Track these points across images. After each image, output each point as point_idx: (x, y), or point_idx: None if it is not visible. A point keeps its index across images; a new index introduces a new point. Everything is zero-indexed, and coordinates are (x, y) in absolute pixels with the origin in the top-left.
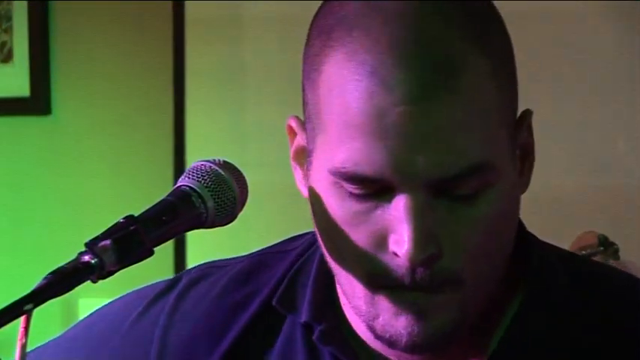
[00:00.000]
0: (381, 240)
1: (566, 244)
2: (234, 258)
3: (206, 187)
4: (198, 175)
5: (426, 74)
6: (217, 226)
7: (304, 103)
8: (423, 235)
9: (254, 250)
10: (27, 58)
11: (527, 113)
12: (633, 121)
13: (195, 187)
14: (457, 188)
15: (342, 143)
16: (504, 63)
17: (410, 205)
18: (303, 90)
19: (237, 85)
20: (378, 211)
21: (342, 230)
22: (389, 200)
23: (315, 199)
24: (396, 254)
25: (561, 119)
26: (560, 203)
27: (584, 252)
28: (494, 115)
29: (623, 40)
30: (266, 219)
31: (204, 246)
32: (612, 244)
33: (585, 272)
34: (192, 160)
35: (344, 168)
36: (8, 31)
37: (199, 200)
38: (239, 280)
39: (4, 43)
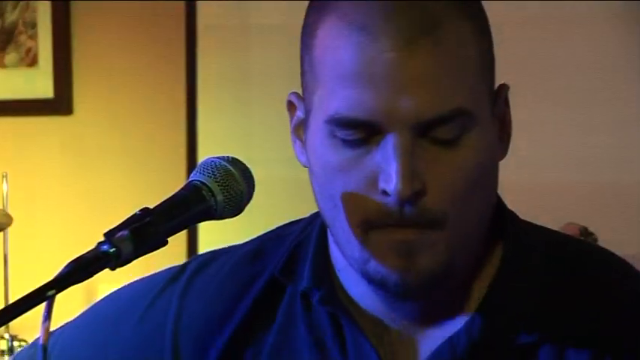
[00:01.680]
0: (372, 181)
1: None
2: (237, 244)
3: (216, 181)
4: (209, 171)
5: (410, 26)
6: (226, 218)
7: (302, 74)
8: (409, 172)
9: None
10: (51, 62)
11: (504, 87)
12: (610, 120)
13: (205, 182)
14: (439, 131)
15: (336, 93)
16: (483, 31)
17: (397, 143)
18: (301, 60)
19: (244, 88)
20: (369, 156)
21: (337, 177)
22: (378, 143)
23: (312, 155)
24: (385, 192)
25: (543, 119)
26: (547, 197)
27: None
28: (475, 71)
29: (602, 44)
30: (271, 210)
31: (215, 235)
32: (591, 234)
33: (560, 238)
34: (203, 157)
35: (338, 114)
36: (33, 37)
37: (209, 194)
38: (244, 261)
39: (29, 49)
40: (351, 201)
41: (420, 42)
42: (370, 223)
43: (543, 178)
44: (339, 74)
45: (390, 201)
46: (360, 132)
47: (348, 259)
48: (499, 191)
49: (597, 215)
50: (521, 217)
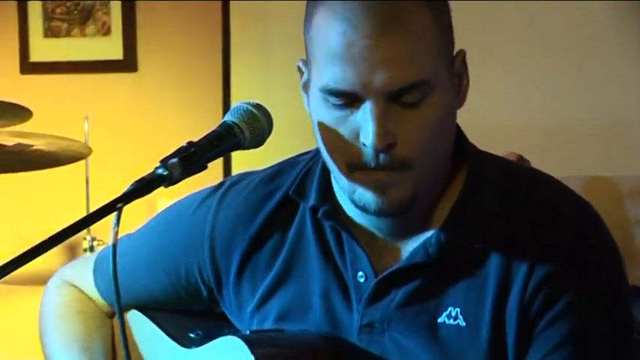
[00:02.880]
0: (355, 135)
1: None
2: (260, 169)
3: (244, 121)
4: (239, 113)
5: (383, 18)
6: (252, 149)
7: (305, 49)
8: (382, 129)
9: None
10: (120, 32)
11: (461, 52)
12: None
13: (236, 122)
14: (405, 97)
15: (326, 69)
16: (442, 13)
17: (373, 108)
18: (304, 37)
19: (268, 50)
20: (352, 117)
21: (330, 130)
22: (359, 107)
23: (313, 112)
24: (364, 145)
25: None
26: (500, 134)
27: None
28: (434, 49)
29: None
30: (286, 144)
31: (244, 162)
32: (526, 160)
33: (511, 164)
34: (235, 103)
35: (327, 86)
36: (107, 13)
37: (239, 131)
38: (265, 182)
39: (104, 22)
40: (339, 149)
41: (389, 31)
42: (354, 165)
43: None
44: (327, 54)
45: (368, 151)
46: (344, 99)
47: (340, 188)
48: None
49: (531, 146)
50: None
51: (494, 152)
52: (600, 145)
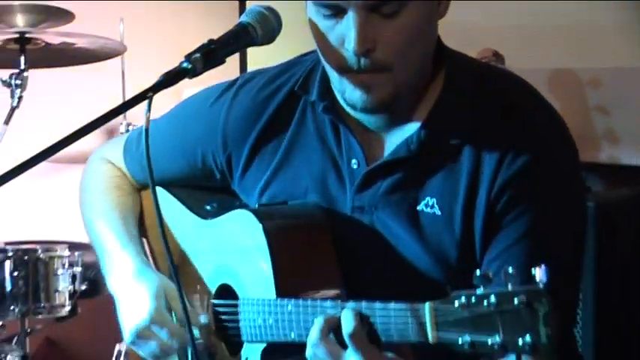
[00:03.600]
0: (341, 42)
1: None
2: (271, 66)
3: (257, 22)
4: (252, 14)
5: None
6: (264, 45)
7: None
8: (362, 36)
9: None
10: None
11: None
12: None
13: (250, 22)
14: (384, 8)
15: None
16: None
17: (354, 17)
18: None
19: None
20: (339, 25)
21: (322, 38)
22: (343, 17)
23: (310, 20)
24: (347, 50)
25: None
26: (479, 32)
27: (484, 59)
28: None
29: None
30: (290, 42)
31: (258, 58)
32: (501, 55)
33: (486, 66)
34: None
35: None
36: None
37: (252, 29)
38: (274, 78)
39: None
40: (330, 54)
41: None
42: (342, 68)
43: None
44: None
45: (351, 56)
46: (331, 10)
47: (333, 87)
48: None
49: (504, 43)
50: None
51: (474, 48)
52: (564, 41)
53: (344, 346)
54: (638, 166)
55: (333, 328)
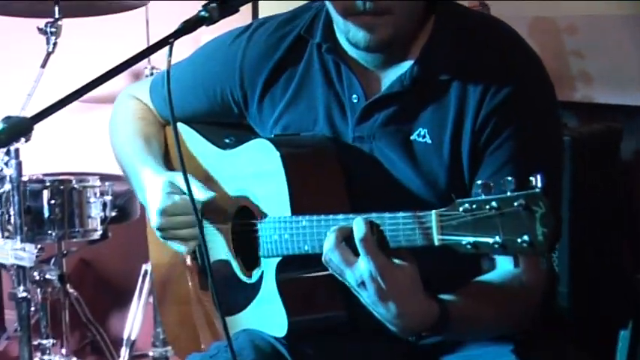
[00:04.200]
0: None
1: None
2: (281, 12)
3: None
4: None
5: None
6: None
7: None
8: None
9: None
10: None
11: None
12: None
13: None
14: None
15: None
16: None
17: None
18: None
19: None
20: None
21: None
22: None
23: None
24: None
25: None
26: None
27: (472, 7)
28: None
29: None
30: None
31: (269, 8)
32: (487, 5)
33: (473, 12)
34: None
35: None
36: None
37: None
38: (284, 23)
39: None
40: None
41: None
42: (347, 11)
43: None
44: None
45: (358, 1)
46: None
47: (337, 29)
48: None
49: None
50: None
51: None
52: None
53: (356, 254)
54: (609, 104)
55: (346, 236)
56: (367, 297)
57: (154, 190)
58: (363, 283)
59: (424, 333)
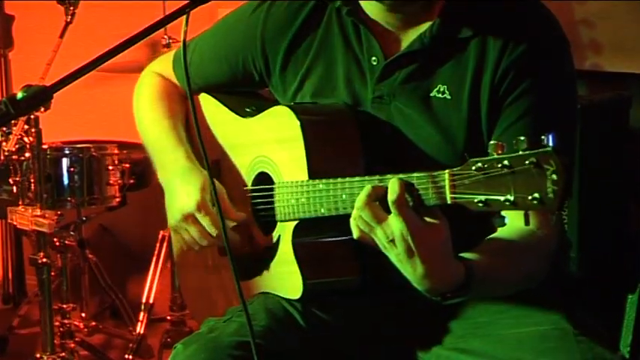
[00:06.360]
0: None
1: None
2: None
3: None
4: None
5: None
6: None
7: None
8: None
9: None
10: None
11: None
12: None
13: None
14: None
15: None
16: None
17: None
18: None
19: None
20: None
21: None
22: None
23: None
24: None
25: None
26: None
27: None
28: None
29: None
30: None
31: None
32: None
33: None
34: None
35: None
36: None
37: None
38: None
39: None
40: None
41: None
42: None
43: None
44: None
45: None
46: None
47: None
48: None
49: None
50: None
51: None
52: None
53: (388, 211)
54: (618, 73)
55: (379, 195)
56: (395, 255)
57: (186, 184)
58: (392, 241)
59: (449, 294)
